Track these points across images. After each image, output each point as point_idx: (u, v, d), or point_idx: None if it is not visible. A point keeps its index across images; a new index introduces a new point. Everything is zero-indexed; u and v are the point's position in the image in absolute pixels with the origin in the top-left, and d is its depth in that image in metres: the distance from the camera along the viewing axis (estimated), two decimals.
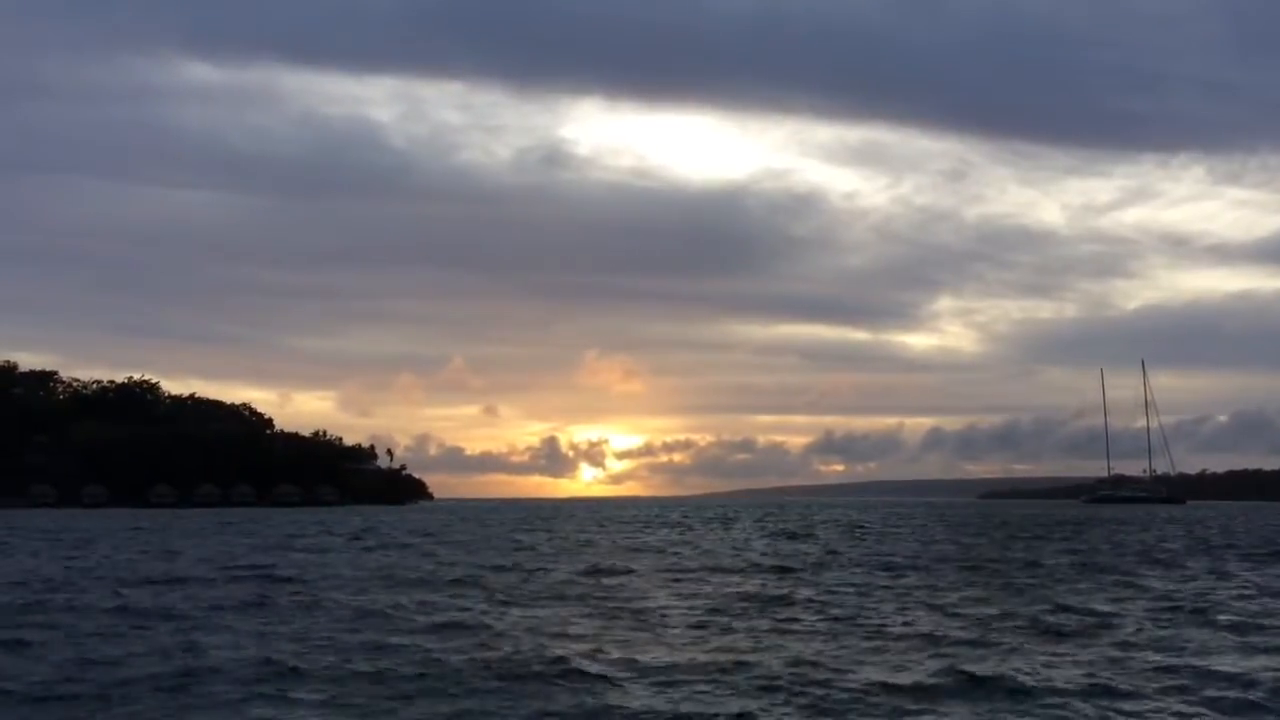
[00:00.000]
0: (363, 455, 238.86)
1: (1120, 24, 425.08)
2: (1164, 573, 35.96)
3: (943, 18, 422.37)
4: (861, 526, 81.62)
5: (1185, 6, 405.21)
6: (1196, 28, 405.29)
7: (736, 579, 32.55)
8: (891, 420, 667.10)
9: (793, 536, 64.09)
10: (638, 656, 17.82)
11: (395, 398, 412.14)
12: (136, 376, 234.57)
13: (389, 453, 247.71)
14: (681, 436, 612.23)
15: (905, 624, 21.81)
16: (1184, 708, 14.39)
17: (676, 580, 32.37)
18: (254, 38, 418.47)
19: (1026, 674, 16.31)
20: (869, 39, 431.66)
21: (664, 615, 23.28)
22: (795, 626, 21.61)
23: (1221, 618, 22.89)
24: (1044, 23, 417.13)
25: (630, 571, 35.64)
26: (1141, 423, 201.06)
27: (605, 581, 31.75)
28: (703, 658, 17.73)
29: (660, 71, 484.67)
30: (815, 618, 22.93)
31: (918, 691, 15.19)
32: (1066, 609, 24.42)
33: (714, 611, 23.82)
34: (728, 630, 20.93)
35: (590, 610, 24.18)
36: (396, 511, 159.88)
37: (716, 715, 13.86)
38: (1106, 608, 24.71)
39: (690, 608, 24.72)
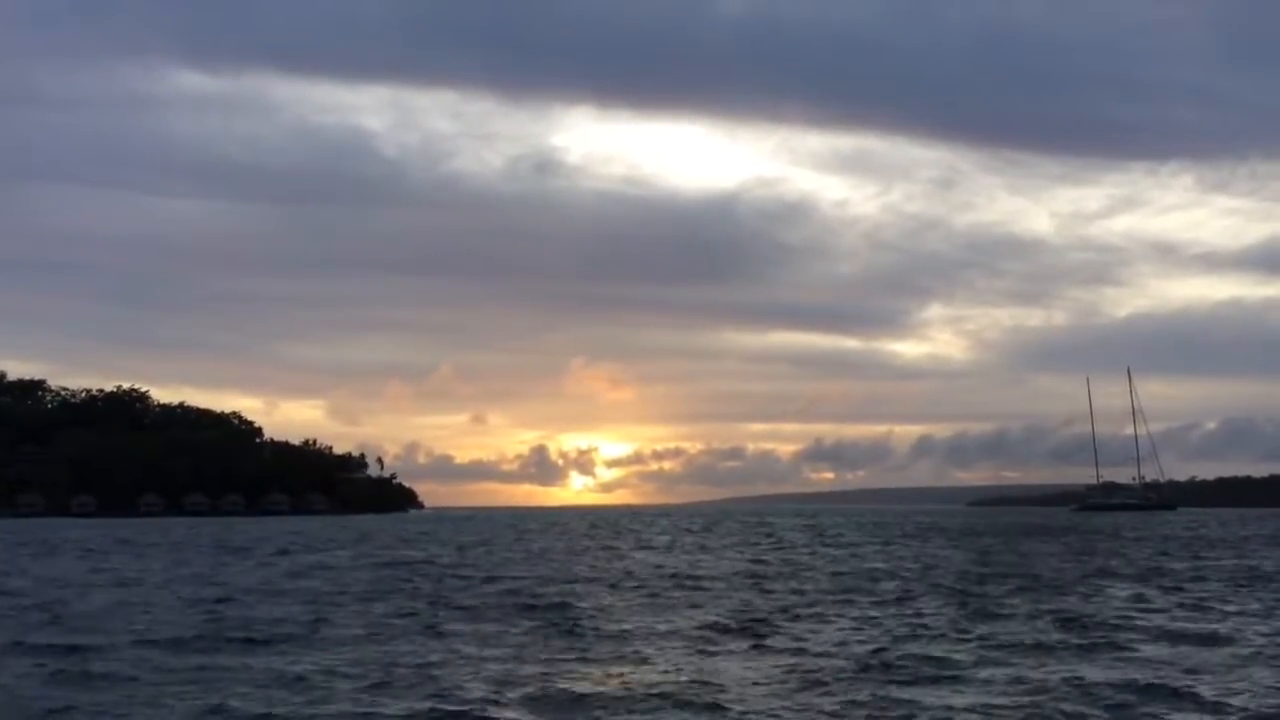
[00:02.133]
0: (353, 464, 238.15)
1: (1110, 32, 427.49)
2: None
3: (933, 26, 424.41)
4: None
5: (1175, 15, 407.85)
6: (1186, 36, 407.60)
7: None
8: (881, 428, 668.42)
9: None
10: None
11: (384, 406, 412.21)
12: (125, 385, 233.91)
13: (379, 461, 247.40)
14: (672, 444, 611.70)
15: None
16: None
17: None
18: (246, 47, 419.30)
19: None
20: (859, 47, 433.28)
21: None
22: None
23: None
24: (1034, 31, 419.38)
25: None
26: (1130, 430, 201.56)
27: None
28: None
29: (651, 80, 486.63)
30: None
31: None
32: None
33: None
34: None
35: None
36: (387, 520, 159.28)
37: None
38: None
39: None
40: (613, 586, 33.42)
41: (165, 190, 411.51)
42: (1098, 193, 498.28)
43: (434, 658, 18.69)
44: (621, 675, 17.06)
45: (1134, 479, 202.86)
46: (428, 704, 14.79)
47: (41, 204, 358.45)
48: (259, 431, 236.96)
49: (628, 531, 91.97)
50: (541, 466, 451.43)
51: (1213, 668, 17.85)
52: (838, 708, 14.75)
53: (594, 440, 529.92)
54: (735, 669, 17.69)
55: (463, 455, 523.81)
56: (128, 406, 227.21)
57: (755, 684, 16.42)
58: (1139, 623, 23.61)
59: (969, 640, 20.72)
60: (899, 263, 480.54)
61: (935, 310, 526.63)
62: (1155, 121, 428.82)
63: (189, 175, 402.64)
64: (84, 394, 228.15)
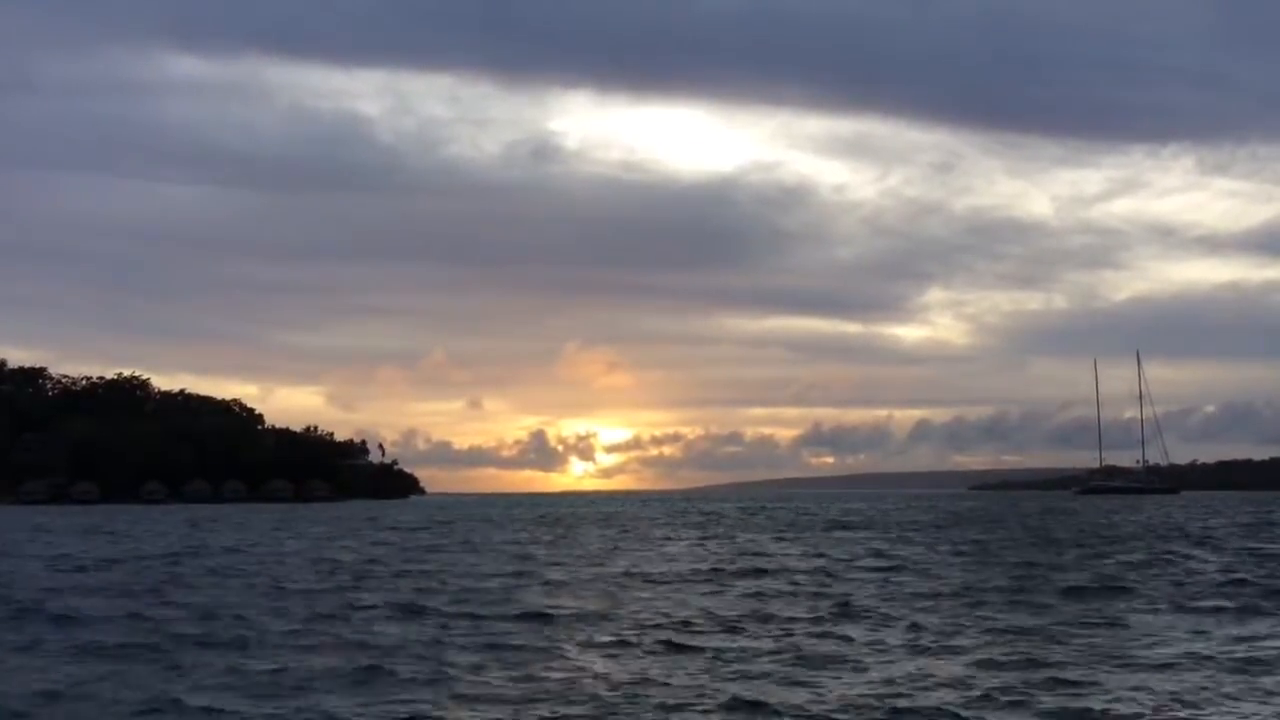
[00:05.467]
0: (354, 450, 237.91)
1: (1110, 14, 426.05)
2: None
3: (932, 9, 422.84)
4: None
5: None
6: (1187, 18, 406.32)
7: None
8: (881, 412, 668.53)
9: None
10: None
11: (381, 392, 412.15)
12: (126, 372, 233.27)
13: (380, 448, 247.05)
14: (671, 430, 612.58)
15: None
16: None
17: None
18: (240, 31, 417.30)
19: None
20: (858, 30, 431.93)
21: None
22: None
23: None
24: (1034, 13, 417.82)
25: None
26: (1130, 413, 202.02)
27: None
28: None
29: (649, 64, 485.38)
30: None
31: None
32: None
33: None
34: None
35: None
36: (398, 506, 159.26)
37: None
38: None
39: None
40: None
41: (160, 176, 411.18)
42: (1097, 175, 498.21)
43: None
44: None
45: (1137, 462, 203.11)
46: None
47: (38, 191, 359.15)
48: (260, 418, 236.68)
49: None
50: (541, 452, 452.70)
51: None
52: None
53: (593, 426, 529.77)
54: None
55: (461, 441, 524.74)
56: (128, 394, 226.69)
57: None
58: None
59: None
60: (898, 247, 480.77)
61: (935, 294, 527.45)
62: (1155, 104, 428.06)
63: (184, 161, 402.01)
64: (84, 381, 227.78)
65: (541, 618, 22.84)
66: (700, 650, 18.78)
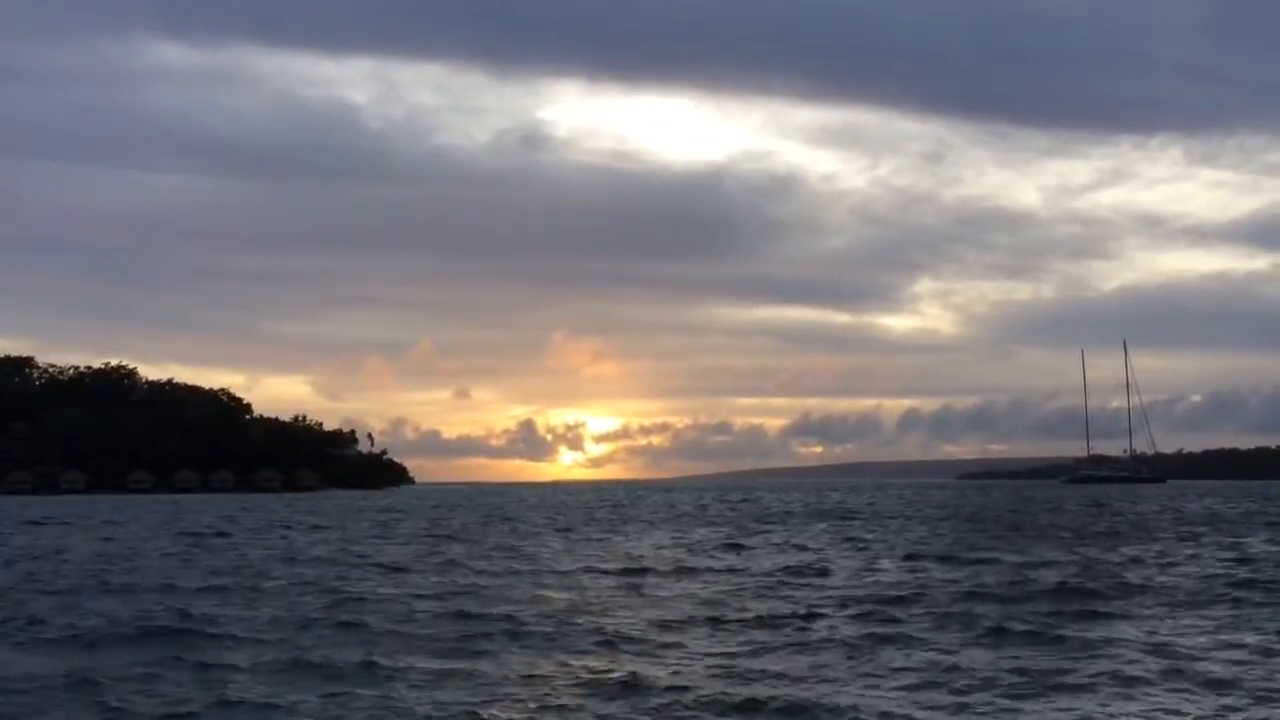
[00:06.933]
0: (343, 440, 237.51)
1: (1099, 5, 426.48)
2: None
3: (922, 0, 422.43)
4: None
5: None
6: (1175, 10, 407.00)
7: None
8: (870, 402, 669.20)
9: None
10: None
11: (369, 382, 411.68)
12: (113, 362, 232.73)
13: (369, 437, 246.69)
14: (659, 419, 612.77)
15: None
16: None
17: None
18: (227, 18, 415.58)
19: None
20: (848, 21, 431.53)
21: None
22: None
23: None
24: (1023, 5, 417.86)
25: None
26: (1118, 403, 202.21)
27: None
28: None
29: (640, 53, 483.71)
30: None
31: None
32: None
33: None
34: None
35: None
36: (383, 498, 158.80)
37: None
38: None
39: None
40: None
41: (147, 165, 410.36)
42: (1086, 166, 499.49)
43: None
44: None
45: (1124, 451, 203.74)
46: None
47: (25, 180, 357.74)
48: (248, 408, 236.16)
49: None
50: (530, 442, 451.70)
51: None
52: None
53: (582, 415, 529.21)
54: None
55: (450, 431, 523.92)
56: (116, 384, 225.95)
57: None
58: None
59: None
60: (888, 236, 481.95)
61: (924, 284, 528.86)
62: (1143, 95, 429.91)
63: (171, 150, 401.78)
64: (72, 371, 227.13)
65: None
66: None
